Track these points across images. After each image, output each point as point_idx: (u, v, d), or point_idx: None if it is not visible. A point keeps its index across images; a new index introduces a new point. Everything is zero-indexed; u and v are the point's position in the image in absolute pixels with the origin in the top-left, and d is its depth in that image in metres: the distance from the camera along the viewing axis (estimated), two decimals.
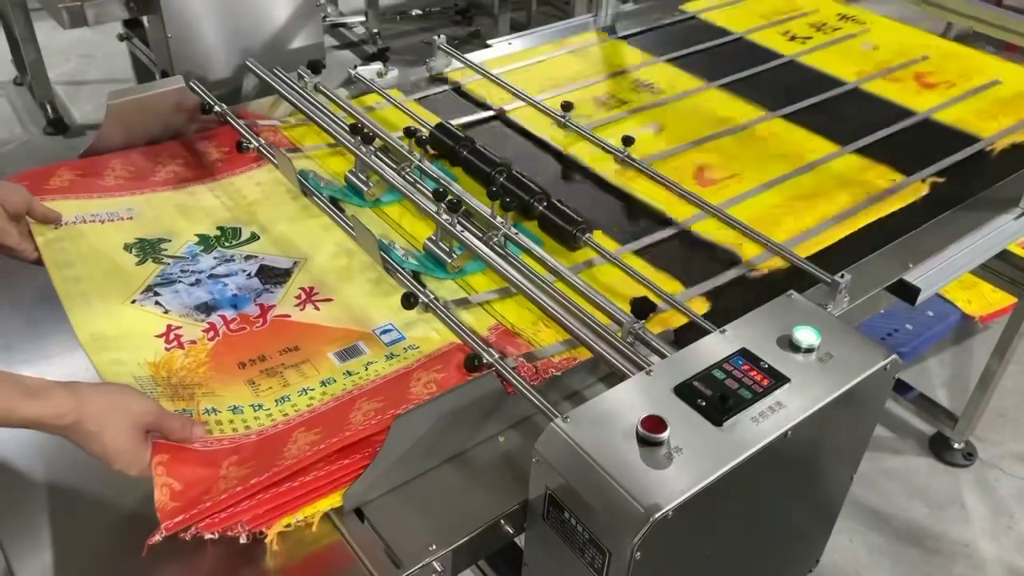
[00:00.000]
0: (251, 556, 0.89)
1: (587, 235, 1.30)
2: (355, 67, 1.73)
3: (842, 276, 1.20)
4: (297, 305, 1.19)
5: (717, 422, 0.89)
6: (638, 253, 1.33)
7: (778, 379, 0.94)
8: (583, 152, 1.57)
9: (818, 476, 1.09)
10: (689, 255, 1.34)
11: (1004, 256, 1.82)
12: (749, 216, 1.37)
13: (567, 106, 1.61)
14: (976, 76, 1.87)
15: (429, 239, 1.28)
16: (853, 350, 0.99)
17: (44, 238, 1.24)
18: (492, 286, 1.24)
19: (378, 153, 1.43)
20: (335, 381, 1.07)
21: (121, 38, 2.89)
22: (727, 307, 1.21)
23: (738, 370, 0.95)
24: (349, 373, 1.08)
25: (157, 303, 1.17)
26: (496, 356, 1.04)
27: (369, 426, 0.95)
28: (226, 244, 1.30)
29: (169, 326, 1.13)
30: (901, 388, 2.33)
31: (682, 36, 2.06)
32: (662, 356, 1.05)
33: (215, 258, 1.27)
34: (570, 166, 1.55)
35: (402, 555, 0.89)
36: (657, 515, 0.79)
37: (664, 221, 1.40)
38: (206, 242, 1.30)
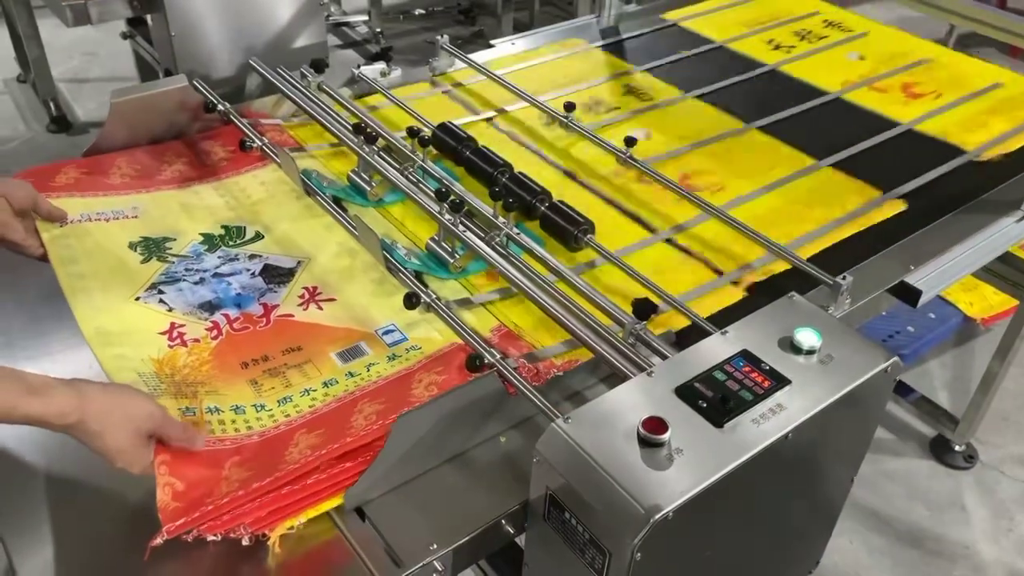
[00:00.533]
0: (251, 554, 0.89)
1: (589, 235, 1.30)
2: (358, 66, 1.73)
3: (844, 278, 1.20)
4: (300, 305, 1.19)
5: (718, 423, 0.89)
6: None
7: (779, 381, 0.94)
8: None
9: (819, 478, 1.09)
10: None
11: (1006, 258, 1.82)
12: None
13: (570, 106, 1.61)
14: (966, 84, 1.84)
15: (431, 239, 1.28)
16: (854, 352, 0.99)
17: (49, 234, 1.25)
18: (494, 286, 1.24)
19: (381, 153, 1.43)
20: (337, 382, 1.07)
21: (124, 36, 2.89)
22: (729, 311, 1.21)
23: (739, 371, 0.95)
24: (351, 374, 1.09)
25: (161, 301, 1.17)
26: (498, 356, 1.04)
27: (371, 431, 0.96)
28: (230, 243, 1.30)
29: (173, 324, 1.14)
30: (902, 390, 2.33)
31: (663, 45, 2.02)
32: (663, 357, 1.05)
33: (219, 257, 1.27)
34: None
35: (403, 554, 0.89)
36: (657, 516, 0.79)
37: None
38: (210, 241, 1.30)
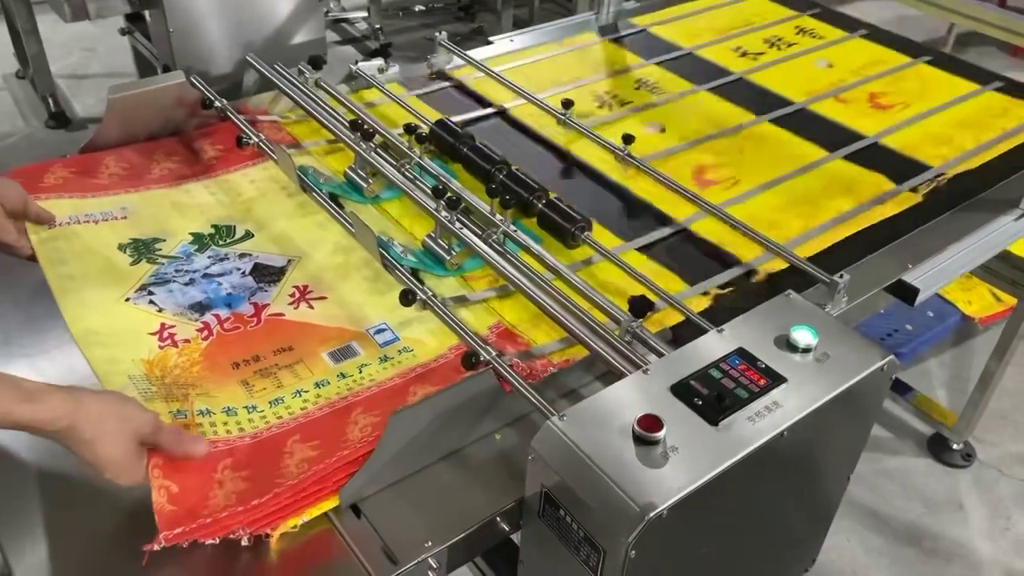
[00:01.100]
0: (247, 551, 0.89)
1: (586, 233, 1.30)
2: (356, 63, 1.72)
3: (841, 276, 1.20)
4: (291, 303, 1.19)
5: (713, 421, 0.89)
6: (640, 250, 1.33)
7: (775, 379, 0.94)
8: (584, 150, 1.57)
9: (815, 476, 1.09)
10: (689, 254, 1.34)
11: (1004, 257, 1.82)
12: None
13: (568, 104, 1.61)
14: (935, 97, 1.80)
15: (428, 236, 1.28)
16: (850, 350, 0.99)
17: (38, 237, 1.24)
18: (492, 284, 1.24)
19: (378, 150, 1.43)
20: (329, 383, 1.07)
21: (123, 32, 2.89)
22: (725, 306, 1.21)
23: (735, 369, 0.95)
24: (343, 375, 1.08)
25: (151, 302, 1.17)
26: (493, 354, 1.04)
27: (367, 443, 0.96)
28: (220, 242, 1.30)
29: (163, 324, 1.13)
30: (900, 388, 2.33)
31: (630, 51, 1.98)
32: (659, 355, 1.05)
33: (209, 257, 1.26)
34: (571, 165, 1.55)
35: (398, 551, 0.89)
36: (652, 514, 0.79)
37: (663, 220, 1.40)
38: (200, 241, 1.29)
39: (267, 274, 1.24)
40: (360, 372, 1.09)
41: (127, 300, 1.17)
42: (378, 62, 1.74)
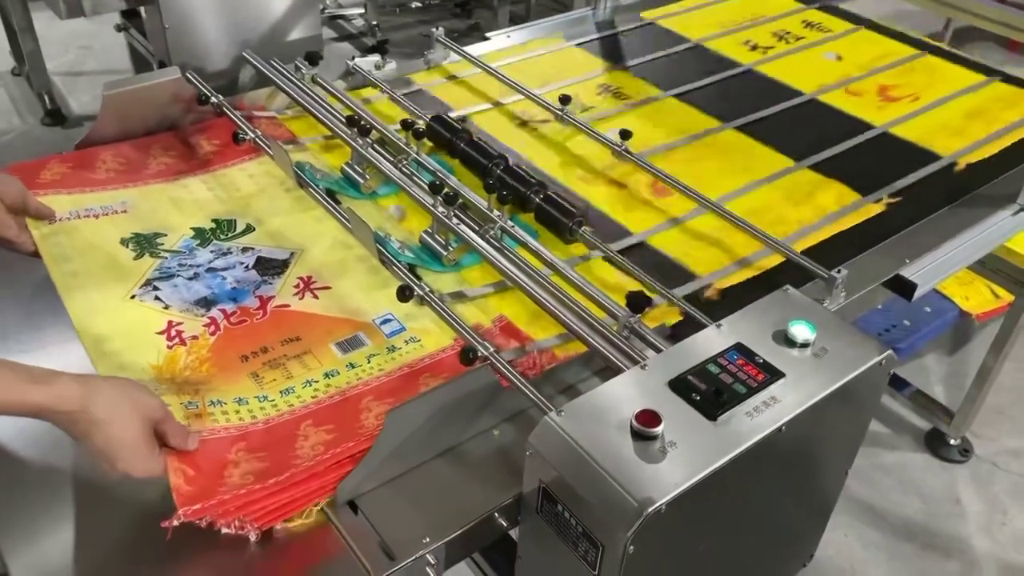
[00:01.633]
0: (244, 549, 0.89)
1: (583, 228, 1.29)
2: (353, 59, 1.72)
3: (839, 271, 1.20)
4: (296, 294, 1.19)
5: (711, 416, 0.89)
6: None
7: (773, 374, 0.94)
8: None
9: (813, 471, 1.09)
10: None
11: (1002, 252, 1.82)
12: (692, 234, 1.34)
13: (565, 99, 1.60)
14: (943, 87, 1.80)
15: (425, 232, 1.28)
16: (848, 345, 0.98)
17: (40, 232, 1.24)
18: (489, 279, 1.23)
19: (375, 145, 1.42)
20: (338, 373, 1.07)
21: (119, 29, 2.88)
22: (725, 302, 1.21)
23: (733, 364, 0.95)
24: (352, 365, 1.08)
25: (157, 298, 1.17)
26: (491, 349, 1.04)
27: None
28: (222, 237, 1.29)
29: (170, 322, 1.13)
30: (898, 384, 2.33)
31: (639, 44, 1.99)
32: (657, 350, 1.05)
33: (212, 252, 1.26)
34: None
35: (395, 548, 0.89)
36: (650, 509, 0.79)
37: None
38: (202, 235, 1.29)
39: (270, 267, 1.24)
40: (369, 362, 1.09)
41: (132, 297, 1.17)
42: (375, 58, 1.74)
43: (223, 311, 1.15)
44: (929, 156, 1.58)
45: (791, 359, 0.96)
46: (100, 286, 1.17)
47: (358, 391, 1.05)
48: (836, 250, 1.32)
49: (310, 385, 1.05)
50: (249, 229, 1.31)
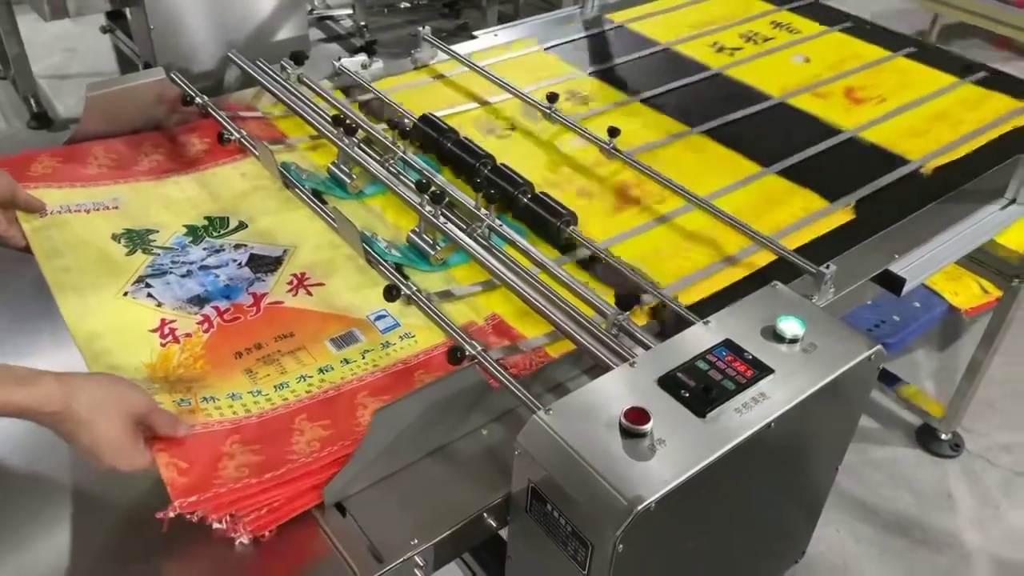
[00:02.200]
0: (231, 552, 0.88)
1: (572, 227, 1.29)
2: (339, 59, 1.71)
3: (827, 267, 1.19)
4: (290, 291, 1.19)
5: (700, 413, 0.88)
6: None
7: (762, 370, 0.93)
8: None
9: (803, 467, 1.08)
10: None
11: (990, 246, 1.82)
12: (644, 250, 1.30)
13: (552, 97, 1.60)
14: (911, 90, 1.78)
15: (412, 231, 1.27)
16: (837, 341, 0.98)
17: (31, 225, 1.24)
18: (478, 278, 1.23)
19: (361, 145, 1.41)
20: (332, 368, 1.07)
21: (104, 30, 2.86)
22: (713, 299, 1.21)
23: (722, 361, 0.94)
24: (347, 361, 1.08)
25: (150, 295, 1.16)
26: (479, 348, 1.03)
27: None
28: (215, 234, 1.29)
29: (163, 320, 1.12)
30: (888, 379, 2.33)
31: (606, 47, 1.96)
32: (646, 347, 1.04)
33: (204, 249, 1.25)
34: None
35: (383, 550, 0.88)
36: (640, 507, 0.79)
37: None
38: (194, 233, 1.29)
39: (263, 264, 1.23)
40: (363, 358, 1.09)
41: (125, 294, 1.16)
42: (361, 58, 1.73)
43: (216, 308, 1.15)
44: (897, 160, 1.56)
45: (780, 355, 0.96)
46: (92, 283, 1.16)
47: (352, 386, 1.04)
48: (825, 245, 1.32)
49: (304, 380, 1.05)
50: (242, 226, 1.30)
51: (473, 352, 1.03)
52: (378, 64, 1.75)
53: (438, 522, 0.91)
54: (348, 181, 1.38)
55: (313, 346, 1.10)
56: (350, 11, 4.31)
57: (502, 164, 1.41)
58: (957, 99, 1.77)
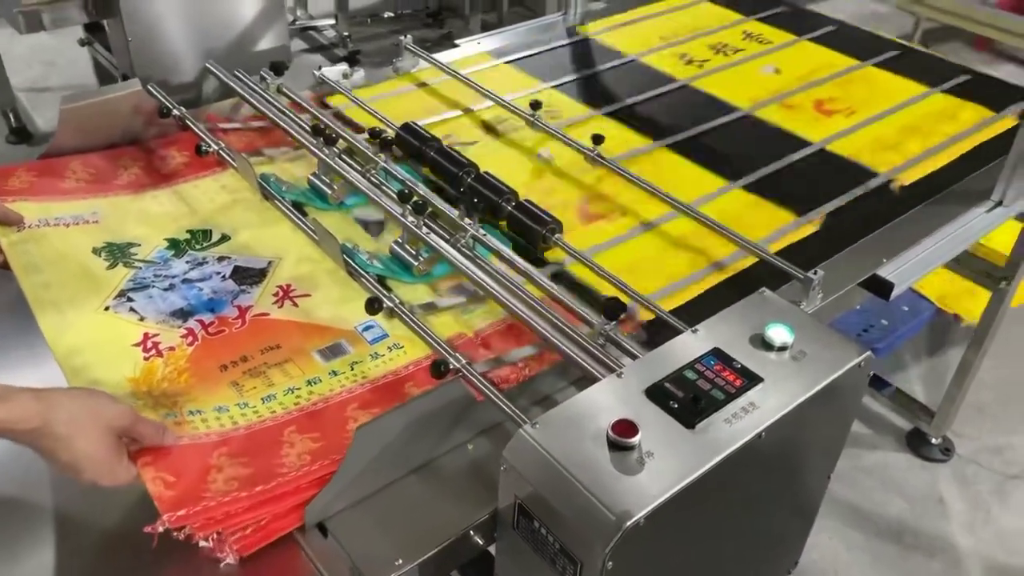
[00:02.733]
0: (210, 572, 0.85)
1: (557, 235, 1.27)
2: (319, 68, 1.69)
3: (815, 272, 1.18)
4: (275, 303, 1.17)
5: (689, 424, 0.86)
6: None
7: (751, 379, 0.91)
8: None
9: (795, 476, 1.07)
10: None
11: (977, 250, 1.81)
12: (621, 263, 1.25)
13: (536, 105, 1.58)
14: (881, 101, 1.75)
15: (395, 242, 1.25)
16: (827, 347, 0.97)
17: (8, 240, 1.21)
18: (463, 290, 1.21)
19: (342, 155, 1.39)
20: (321, 380, 1.05)
21: (82, 43, 2.83)
22: (700, 307, 1.19)
23: (710, 370, 0.92)
24: (335, 373, 1.06)
25: (132, 309, 1.14)
26: (463, 362, 1.01)
27: None
28: (197, 247, 1.26)
29: (146, 334, 1.10)
30: (877, 384, 2.32)
31: (572, 59, 1.92)
32: (633, 357, 1.02)
33: (187, 262, 1.23)
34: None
35: (367, 571, 0.86)
36: (629, 523, 0.77)
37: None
38: (176, 246, 1.26)
39: (248, 276, 1.21)
40: (352, 369, 1.07)
41: (107, 309, 1.13)
42: (342, 67, 1.71)
43: (201, 322, 1.13)
44: (865, 173, 1.53)
45: (769, 363, 0.94)
46: (72, 298, 1.14)
47: (341, 398, 1.02)
48: (812, 251, 1.31)
49: (292, 392, 1.03)
50: (225, 239, 1.28)
51: (457, 365, 1.01)
52: (359, 73, 1.74)
53: (423, 541, 0.89)
54: (329, 192, 1.36)
55: (300, 358, 1.08)
56: (333, 21, 4.29)
57: (485, 172, 1.39)
58: (929, 111, 1.74)
